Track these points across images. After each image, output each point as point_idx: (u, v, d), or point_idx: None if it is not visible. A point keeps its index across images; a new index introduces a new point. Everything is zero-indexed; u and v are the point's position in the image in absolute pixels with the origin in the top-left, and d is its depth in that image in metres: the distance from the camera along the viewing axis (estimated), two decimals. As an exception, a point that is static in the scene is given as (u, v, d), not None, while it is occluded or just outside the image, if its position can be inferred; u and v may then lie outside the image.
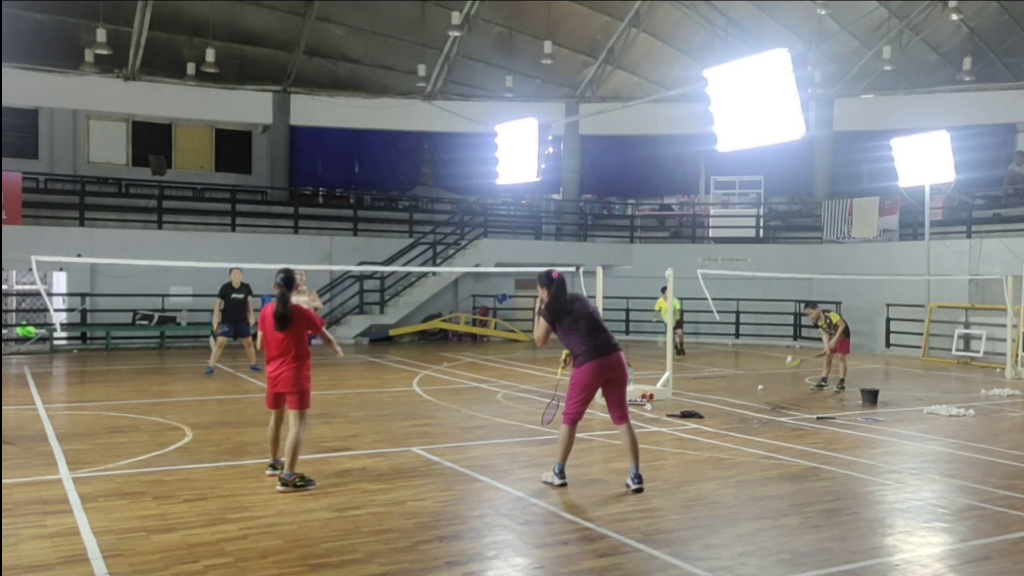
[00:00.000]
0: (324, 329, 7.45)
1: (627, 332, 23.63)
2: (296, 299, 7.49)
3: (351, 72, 25.66)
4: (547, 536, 5.85)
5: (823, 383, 13.69)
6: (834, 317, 13.81)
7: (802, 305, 14.45)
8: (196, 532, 5.78)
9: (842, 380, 13.67)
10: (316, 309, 8.08)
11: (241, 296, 14.94)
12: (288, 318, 7.02)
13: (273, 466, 7.37)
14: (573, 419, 7.15)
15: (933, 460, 8.52)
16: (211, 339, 15.02)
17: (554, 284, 7.20)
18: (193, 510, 6.30)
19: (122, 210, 21.92)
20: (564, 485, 7.09)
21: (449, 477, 7.47)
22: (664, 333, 14.75)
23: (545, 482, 7.18)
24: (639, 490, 6.93)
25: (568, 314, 7.13)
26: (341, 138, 26.00)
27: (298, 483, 6.88)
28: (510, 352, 20.14)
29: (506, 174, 17.22)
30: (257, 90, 25.05)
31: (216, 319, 14.91)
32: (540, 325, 7.23)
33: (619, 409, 7.13)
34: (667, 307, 14.86)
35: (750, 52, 12.51)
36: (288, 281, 7.09)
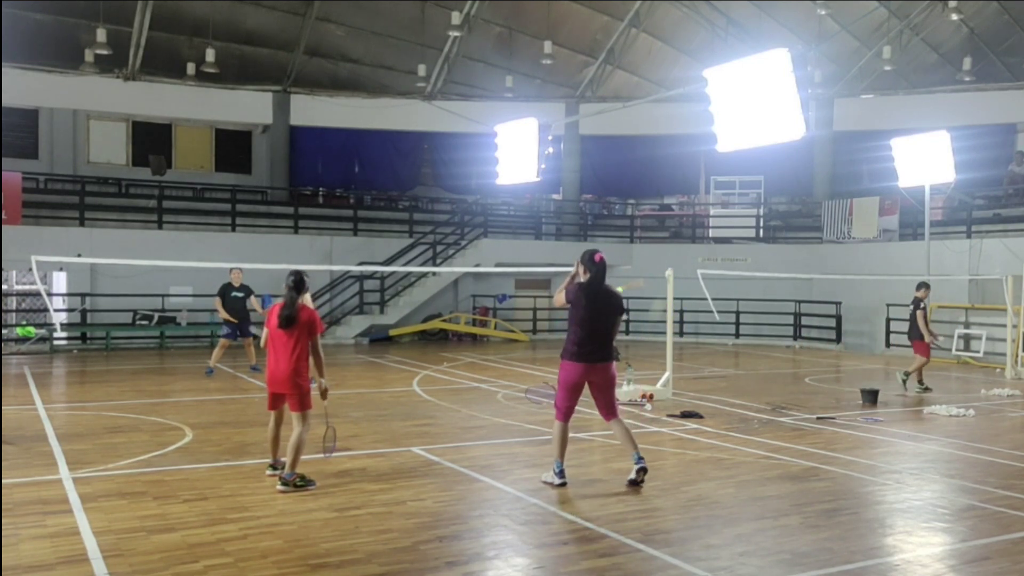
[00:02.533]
0: (321, 352, 7.22)
1: (627, 332, 23.62)
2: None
3: (351, 72, 25.66)
4: (547, 536, 5.85)
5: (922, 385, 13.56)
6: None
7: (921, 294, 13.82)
8: (196, 532, 5.78)
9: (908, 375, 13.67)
10: None
11: (241, 295, 14.93)
12: (294, 319, 7.06)
13: (273, 467, 7.38)
14: (564, 414, 7.20)
15: (933, 460, 8.52)
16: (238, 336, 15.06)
17: (596, 267, 7.12)
18: (193, 510, 6.30)
19: (122, 210, 21.92)
20: (564, 485, 7.08)
21: (449, 477, 7.47)
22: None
23: (545, 482, 7.18)
24: (643, 469, 7.02)
25: (590, 302, 7.06)
26: (341, 138, 25.99)
27: (298, 483, 6.89)
28: (510, 352, 20.14)
29: (506, 174, 17.21)
30: (257, 90, 25.05)
31: (223, 314, 14.88)
32: (560, 296, 7.26)
33: (606, 408, 7.24)
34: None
35: (750, 52, 12.50)
36: (298, 284, 7.17)
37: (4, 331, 18.63)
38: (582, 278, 7.20)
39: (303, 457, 7.18)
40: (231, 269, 14.94)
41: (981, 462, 8.38)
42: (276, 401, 7.29)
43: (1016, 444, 9.36)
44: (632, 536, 5.80)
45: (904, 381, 13.52)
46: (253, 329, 14.87)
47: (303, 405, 7.10)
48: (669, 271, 12.94)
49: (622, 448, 7.39)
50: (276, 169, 25.52)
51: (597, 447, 8.93)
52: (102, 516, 6.09)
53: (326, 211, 24.71)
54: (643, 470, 7.06)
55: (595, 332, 7.07)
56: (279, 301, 7.33)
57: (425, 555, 5.40)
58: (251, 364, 14.99)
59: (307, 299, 7.26)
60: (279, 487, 6.88)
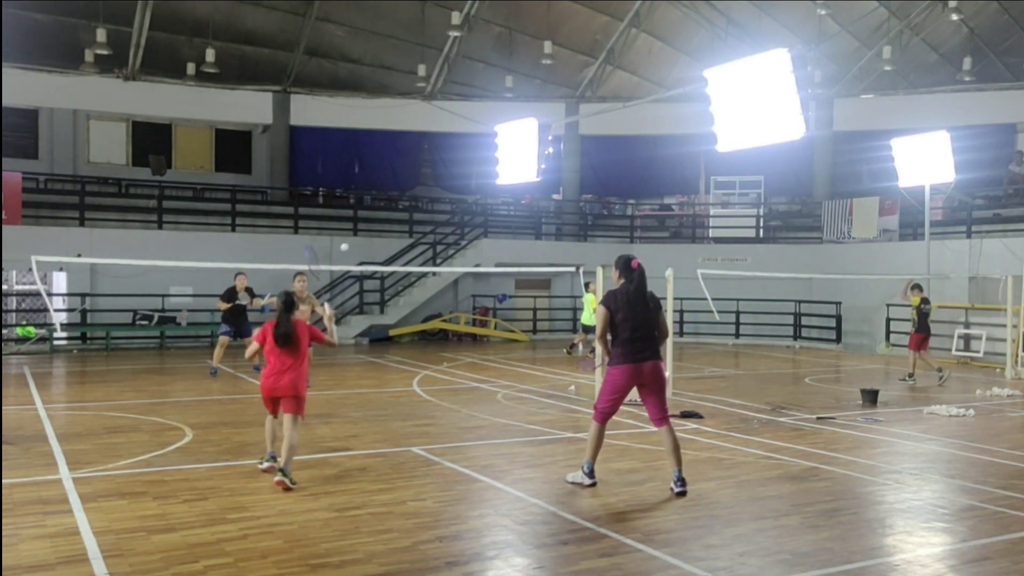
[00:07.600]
0: (327, 337, 7.85)
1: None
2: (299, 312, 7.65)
3: (351, 72, 25.66)
4: (547, 536, 5.85)
5: (941, 374, 14.17)
6: (915, 300, 14.24)
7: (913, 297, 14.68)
8: (196, 532, 5.77)
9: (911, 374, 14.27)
10: (329, 317, 8.33)
11: (244, 302, 14.93)
12: (291, 336, 7.25)
13: (273, 457, 7.39)
14: (603, 417, 7.04)
15: (933, 460, 8.52)
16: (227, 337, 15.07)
17: (634, 273, 6.95)
18: (193, 510, 6.30)
19: (122, 210, 21.93)
20: (593, 485, 7.01)
21: (449, 477, 7.47)
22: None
23: (572, 483, 7.09)
24: (683, 493, 6.79)
25: (630, 307, 6.89)
26: (341, 138, 26.00)
27: (292, 480, 6.93)
28: (510, 352, 20.14)
29: (506, 174, 17.22)
30: (257, 90, 25.05)
31: (223, 307, 14.83)
32: (599, 314, 6.95)
33: (657, 411, 7.02)
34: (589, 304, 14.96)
35: (750, 52, 12.53)
36: (288, 305, 7.34)
37: (4, 331, 18.63)
38: (616, 283, 7.03)
39: (300, 457, 7.21)
40: (236, 275, 14.91)
41: (981, 462, 8.38)
42: (275, 405, 7.39)
43: (1016, 444, 9.35)
44: (632, 536, 5.80)
45: None
46: (253, 329, 14.85)
47: (299, 408, 7.21)
48: (669, 271, 12.93)
49: (665, 454, 7.10)
50: (276, 169, 25.52)
51: (597, 447, 8.92)
52: (102, 516, 6.09)
53: (326, 211, 24.71)
54: (682, 493, 6.79)
55: (638, 332, 6.89)
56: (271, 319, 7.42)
57: (425, 555, 5.39)
58: (254, 364, 14.98)
59: (324, 308, 7.54)
60: (277, 477, 6.90)
